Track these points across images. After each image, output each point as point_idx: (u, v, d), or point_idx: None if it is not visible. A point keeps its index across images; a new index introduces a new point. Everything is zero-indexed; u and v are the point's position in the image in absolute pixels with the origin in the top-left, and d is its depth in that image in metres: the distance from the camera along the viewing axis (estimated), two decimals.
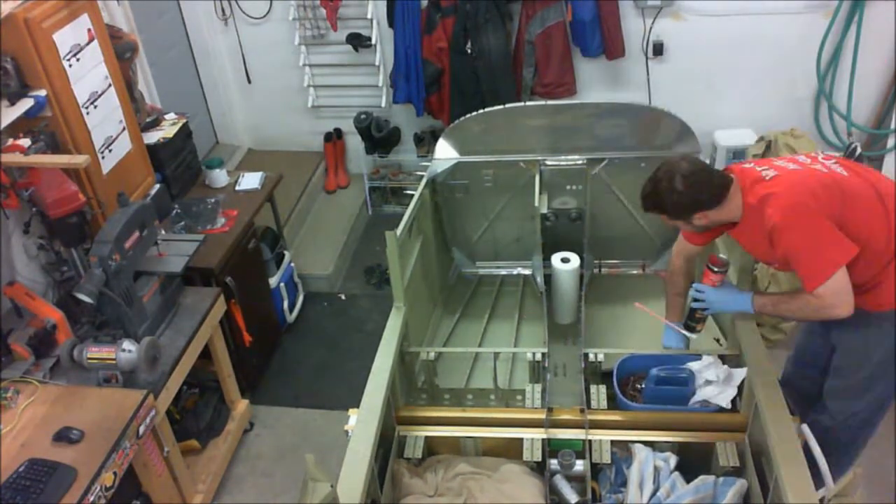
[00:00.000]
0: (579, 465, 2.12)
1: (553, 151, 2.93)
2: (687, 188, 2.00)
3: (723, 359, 2.38)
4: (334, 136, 4.64)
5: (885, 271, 1.99)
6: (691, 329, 2.34)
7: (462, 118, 3.05)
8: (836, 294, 1.90)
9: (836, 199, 1.94)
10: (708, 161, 3.09)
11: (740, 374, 2.20)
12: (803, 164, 2.06)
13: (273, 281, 3.60)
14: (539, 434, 2.18)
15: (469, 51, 3.87)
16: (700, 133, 2.87)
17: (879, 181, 2.05)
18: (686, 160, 2.06)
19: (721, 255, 2.26)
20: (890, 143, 4.07)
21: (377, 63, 4.29)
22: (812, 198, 1.92)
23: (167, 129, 3.29)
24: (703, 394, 2.21)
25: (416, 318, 2.65)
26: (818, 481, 1.89)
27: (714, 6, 3.87)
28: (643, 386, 2.32)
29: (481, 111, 3.00)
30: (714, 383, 2.21)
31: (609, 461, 2.13)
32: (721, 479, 2.03)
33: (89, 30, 2.67)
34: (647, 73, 4.12)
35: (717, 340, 2.65)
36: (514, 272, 3.32)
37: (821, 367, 2.35)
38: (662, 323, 2.42)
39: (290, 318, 3.79)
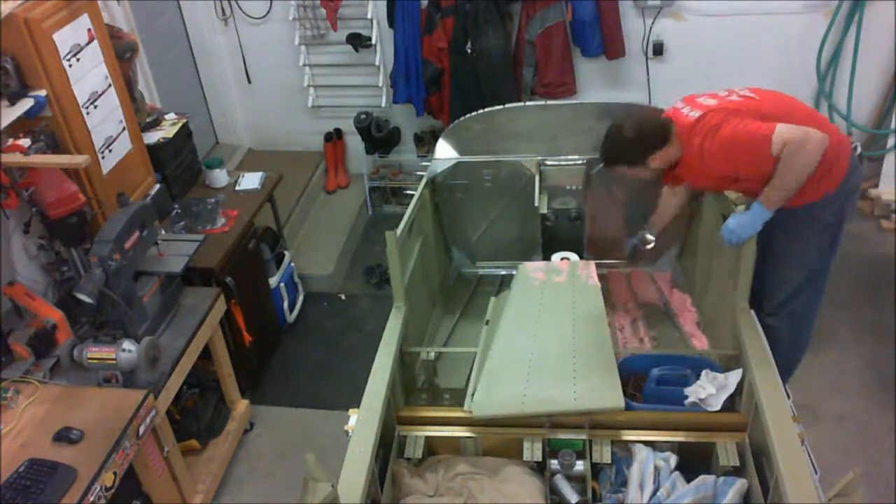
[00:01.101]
0: (579, 465, 2.12)
1: (553, 151, 2.93)
2: (635, 134, 2.27)
3: (723, 359, 2.38)
4: (334, 136, 4.64)
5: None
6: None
7: (462, 118, 3.04)
8: (790, 130, 2.12)
9: (754, 112, 2.23)
10: None
11: (735, 377, 2.19)
12: (721, 98, 2.32)
13: (273, 281, 3.60)
14: (539, 434, 2.18)
15: (469, 51, 3.87)
16: None
17: (785, 101, 2.35)
18: (627, 113, 2.33)
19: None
20: (890, 143, 4.08)
21: (377, 63, 4.29)
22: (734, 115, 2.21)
23: (167, 129, 3.29)
24: (695, 395, 2.20)
25: (416, 318, 2.65)
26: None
27: (714, 6, 3.87)
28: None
29: (481, 111, 3.00)
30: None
31: (609, 461, 2.12)
32: (721, 478, 2.03)
33: (89, 30, 2.67)
34: (647, 73, 4.12)
35: None
36: (514, 272, 3.32)
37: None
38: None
39: (290, 318, 3.79)
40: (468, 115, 3.02)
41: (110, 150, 2.82)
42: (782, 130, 2.13)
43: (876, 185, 4.16)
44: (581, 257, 2.89)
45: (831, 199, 2.35)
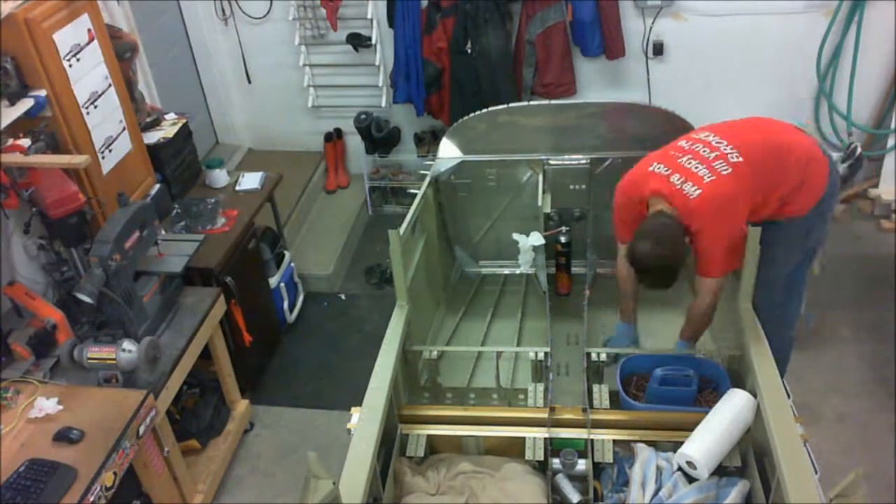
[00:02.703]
0: (581, 465, 2.12)
1: (556, 151, 2.93)
2: (670, 247, 2.21)
3: (724, 359, 2.38)
4: (334, 136, 4.64)
5: (795, 192, 2.38)
6: None
7: (466, 117, 3.04)
8: (713, 287, 2.33)
9: (748, 185, 2.28)
10: None
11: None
12: (708, 163, 2.29)
13: (273, 281, 3.59)
14: (541, 433, 2.18)
15: (469, 51, 3.87)
16: None
17: (769, 161, 2.36)
18: (641, 235, 2.26)
19: None
20: (890, 143, 4.08)
21: (377, 63, 4.28)
22: (731, 205, 2.25)
23: (167, 129, 3.28)
24: None
25: (418, 317, 2.65)
26: None
27: (714, 6, 3.87)
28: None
29: (485, 110, 3.00)
30: None
31: (611, 461, 2.12)
32: (723, 479, 2.03)
33: (89, 30, 2.66)
34: (647, 73, 4.12)
35: None
36: (517, 271, 3.32)
37: None
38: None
39: (290, 318, 3.79)
40: (472, 115, 3.02)
41: (110, 150, 2.82)
42: (711, 286, 2.33)
43: (876, 185, 4.17)
44: (584, 257, 2.89)
45: (813, 208, 2.43)
